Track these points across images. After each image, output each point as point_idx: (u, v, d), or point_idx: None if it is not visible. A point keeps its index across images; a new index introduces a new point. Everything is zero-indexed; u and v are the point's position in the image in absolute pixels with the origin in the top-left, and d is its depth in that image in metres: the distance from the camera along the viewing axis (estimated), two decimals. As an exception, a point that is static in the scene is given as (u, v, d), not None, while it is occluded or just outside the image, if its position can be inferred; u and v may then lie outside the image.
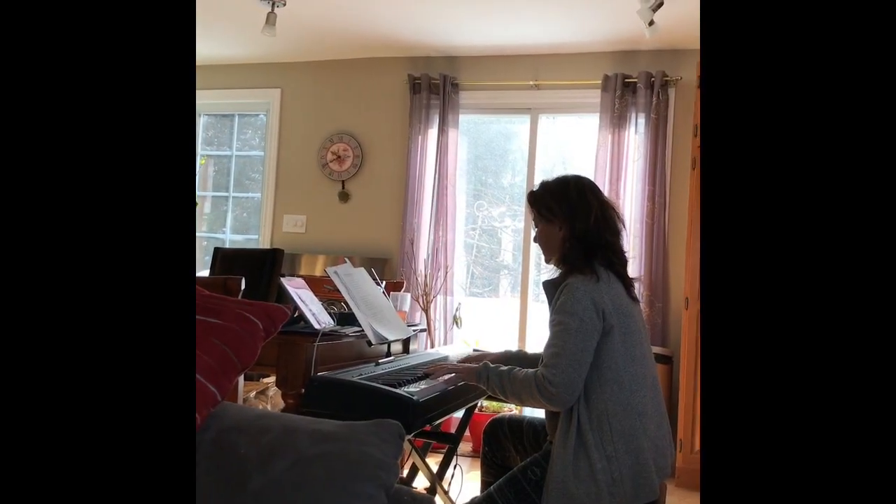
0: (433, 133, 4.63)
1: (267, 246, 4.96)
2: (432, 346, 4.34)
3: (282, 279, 2.27)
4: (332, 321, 2.39)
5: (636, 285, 1.97)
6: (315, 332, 2.17)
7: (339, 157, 4.88)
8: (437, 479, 2.29)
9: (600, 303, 1.78)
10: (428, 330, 4.28)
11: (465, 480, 2.89)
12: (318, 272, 4.73)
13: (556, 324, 1.81)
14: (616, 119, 4.25)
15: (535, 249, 4.73)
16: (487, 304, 5.07)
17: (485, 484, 2.30)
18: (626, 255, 1.95)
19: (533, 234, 2.03)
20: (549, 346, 1.81)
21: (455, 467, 2.46)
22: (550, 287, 1.92)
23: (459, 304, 4.54)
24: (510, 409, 4.08)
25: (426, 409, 1.84)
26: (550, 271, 1.99)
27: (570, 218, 1.89)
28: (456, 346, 4.11)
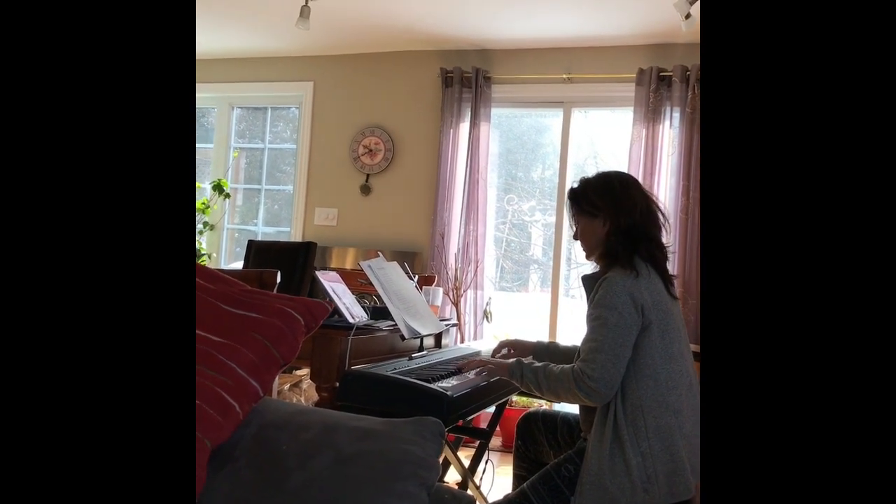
0: (465, 127, 4.62)
1: (298, 238, 4.99)
2: (462, 341, 4.33)
3: (316, 272, 2.27)
4: (365, 315, 2.39)
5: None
6: (349, 326, 2.18)
7: (370, 150, 4.89)
8: (468, 473, 2.29)
9: (639, 298, 1.76)
10: (458, 324, 4.27)
11: (496, 475, 2.89)
12: (348, 265, 4.74)
13: (594, 318, 1.79)
14: (650, 113, 4.20)
15: (566, 244, 4.69)
16: (517, 298, 5.05)
17: (517, 478, 2.29)
18: (667, 249, 1.93)
19: (572, 230, 2.01)
20: (587, 340, 1.80)
21: (486, 462, 2.45)
22: (589, 281, 1.90)
23: (490, 298, 4.52)
24: (539, 405, 4.06)
25: (460, 405, 1.84)
26: (587, 266, 1.97)
27: (615, 212, 1.87)
28: (487, 341, 4.10)
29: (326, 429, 0.95)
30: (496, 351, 2.24)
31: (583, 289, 1.96)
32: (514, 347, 2.24)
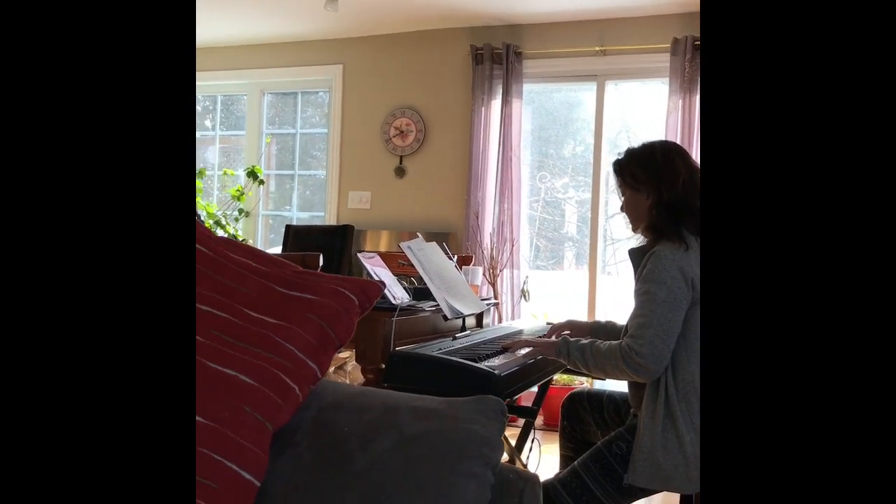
0: (496, 104, 4.56)
1: (333, 223, 4.99)
2: (500, 321, 4.31)
3: (358, 254, 2.26)
4: (407, 296, 2.38)
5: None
6: (392, 308, 2.17)
7: (401, 132, 4.86)
8: (515, 452, 2.28)
9: (689, 272, 1.72)
10: (496, 304, 4.25)
11: (544, 454, 2.87)
12: (382, 248, 4.74)
13: (642, 293, 1.75)
14: (686, 83, 4.11)
15: (603, 220, 4.63)
16: (552, 276, 5.01)
17: (564, 458, 2.27)
18: None
19: (620, 201, 1.96)
20: (635, 315, 1.76)
21: (532, 441, 2.44)
22: (636, 255, 1.86)
23: (527, 277, 4.49)
24: (581, 383, 4.03)
25: (508, 384, 1.82)
26: (623, 242, 1.93)
27: (658, 184, 1.82)
28: (526, 320, 4.07)
29: (387, 409, 0.94)
30: (551, 333, 2.22)
31: (630, 263, 1.92)
32: (571, 329, 2.21)
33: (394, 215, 4.89)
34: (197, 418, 0.84)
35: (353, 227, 2.92)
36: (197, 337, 0.92)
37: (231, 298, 0.98)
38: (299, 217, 5.40)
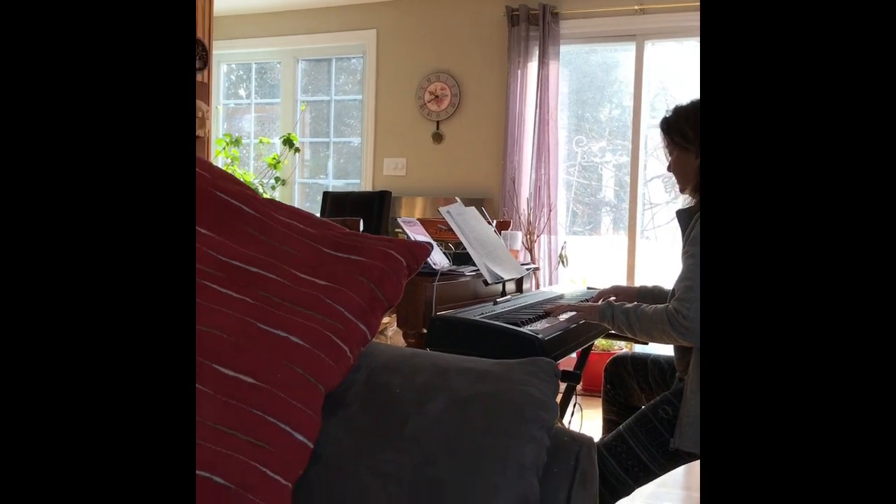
0: (533, 66, 4.48)
1: (369, 190, 4.99)
2: (537, 287, 4.28)
3: (399, 220, 2.25)
4: (447, 261, 2.36)
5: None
6: (433, 273, 2.15)
7: (436, 96, 4.81)
8: (558, 417, 2.26)
9: (738, 234, 1.67)
10: (536, 268, 4.22)
11: (584, 419, 2.86)
12: (417, 215, 4.72)
13: (689, 256, 1.71)
14: (730, 41, 3.97)
15: (642, 185, 4.55)
16: (590, 242, 4.95)
17: (607, 422, 2.26)
18: None
19: (667, 161, 1.91)
20: (682, 278, 1.72)
21: (575, 406, 2.42)
22: (684, 217, 1.81)
23: (565, 242, 4.44)
24: (620, 348, 4.00)
25: (552, 348, 1.80)
26: (662, 207, 1.88)
27: None
28: (564, 286, 4.03)
29: (439, 371, 0.92)
30: (597, 298, 2.19)
31: (676, 225, 1.87)
32: (617, 294, 2.18)
33: (429, 181, 4.86)
34: (249, 380, 0.84)
35: (390, 193, 2.90)
36: (246, 298, 0.91)
37: (279, 260, 0.97)
38: (334, 185, 5.40)
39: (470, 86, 4.74)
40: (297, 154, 5.13)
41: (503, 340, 1.78)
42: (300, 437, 0.84)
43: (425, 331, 2.10)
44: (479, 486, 0.80)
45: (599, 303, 2.09)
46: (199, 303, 0.89)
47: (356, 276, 0.97)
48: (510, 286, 2.67)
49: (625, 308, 1.83)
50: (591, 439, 0.93)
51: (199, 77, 3.36)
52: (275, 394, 0.84)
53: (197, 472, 0.78)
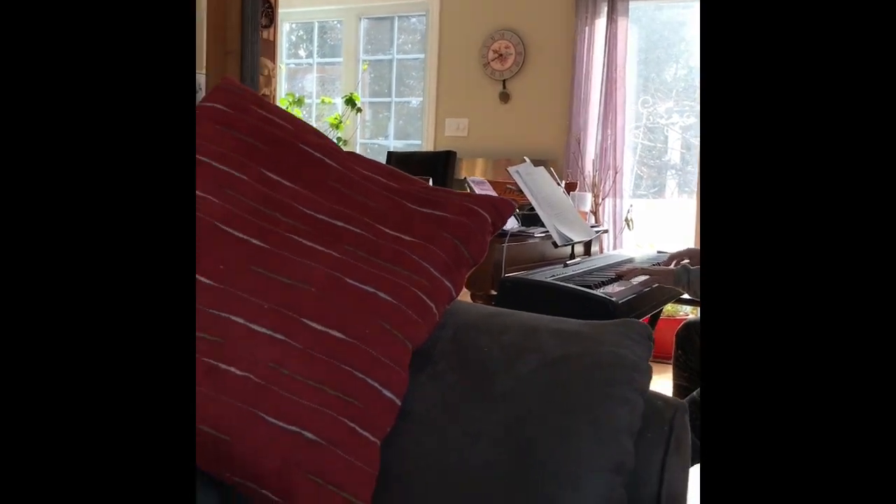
0: (601, 23, 4.34)
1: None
2: (601, 251, 4.21)
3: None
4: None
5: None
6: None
7: (500, 55, 4.71)
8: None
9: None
10: (605, 231, 4.15)
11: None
12: (478, 176, 4.67)
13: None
14: None
15: (712, 146, 4.40)
16: (655, 205, 4.84)
17: (678, 388, 2.21)
18: None
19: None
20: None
21: (643, 372, 2.37)
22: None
23: (631, 205, 4.34)
24: (686, 314, 3.91)
25: (625, 312, 1.75)
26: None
27: None
28: (630, 249, 3.95)
29: (527, 331, 0.89)
30: (671, 261, 2.13)
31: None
32: (691, 257, 2.11)
33: (491, 142, 4.79)
34: (338, 335, 0.83)
35: (455, 152, 2.86)
36: (332, 252, 0.89)
37: (363, 214, 0.95)
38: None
39: (535, 44, 4.63)
40: (358, 114, 5.11)
41: (575, 303, 1.74)
42: (388, 394, 0.82)
43: (493, 292, 2.08)
44: (573, 448, 0.77)
45: (673, 266, 2.03)
46: (285, 255, 0.88)
47: (441, 232, 0.95)
48: (578, 249, 2.62)
49: (700, 272, 1.77)
50: (684, 404, 0.90)
51: (265, 35, 3.36)
52: (363, 349, 0.82)
53: (287, 426, 0.77)
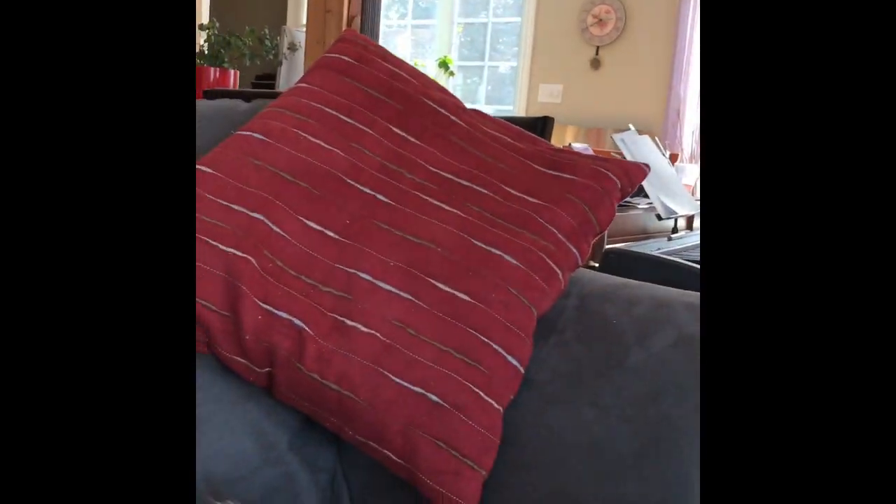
0: (709, -12, 4.13)
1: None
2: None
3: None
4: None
5: None
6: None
7: (600, 20, 4.56)
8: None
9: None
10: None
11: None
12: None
13: None
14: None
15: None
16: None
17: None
18: None
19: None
20: None
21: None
22: None
23: (730, 180, 4.17)
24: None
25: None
26: None
27: None
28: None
29: (660, 304, 0.85)
30: None
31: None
32: None
33: (585, 110, 4.67)
34: (464, 297, 0.80)
35: (552, 119, 2.77)
36: (459, 212, 0.86)
37: (489, 174, 0.91)
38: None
39: (637, 9, 4.45)
40: (450, 78, 5.07)
41: (683, 278, 1.67)
42: (513, 361, 0.80)
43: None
44: (711, 430, 0.72)
45: None
46: (411, 213, 0.85)
47: (569, 195, 0.90)
48: (681, 223, 2.52)
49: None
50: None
51: (366, -6, 3.35)
52: (489, 313, 0.80)
53: (412, 387, 0.75)
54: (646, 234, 2.28)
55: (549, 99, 4.81)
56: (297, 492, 0.84)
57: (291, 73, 3.79)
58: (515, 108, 4.94)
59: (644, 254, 1.76)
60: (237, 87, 3.50)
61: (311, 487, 0.86)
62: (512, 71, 5.15)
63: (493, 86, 5.37)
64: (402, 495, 0.81)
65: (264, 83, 4.99)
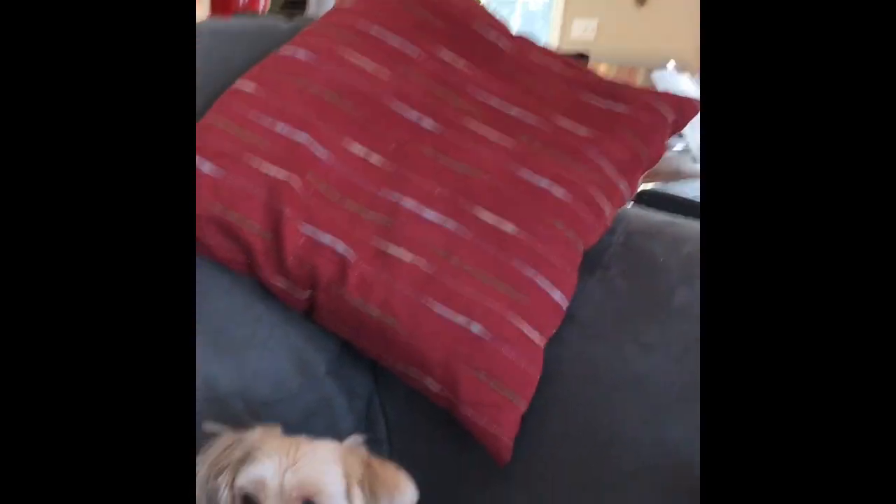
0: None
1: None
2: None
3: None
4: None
5: None
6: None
7: (640, -47, 4.38)
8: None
9: None
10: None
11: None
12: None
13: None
14: None
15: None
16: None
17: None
18: None
19: None
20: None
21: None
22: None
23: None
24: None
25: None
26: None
27: None
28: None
29: (708, 243, 0.82)
30: None
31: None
32: None
33: (620, 48, 4.52)
34: (510, 228, 0.78)
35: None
36: (505, 141, 0.84)
37: (538, 103, 0.88)
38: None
39: (679, -58, 4.27)
40: (481, 10, 4.93)
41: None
42: (557, 295, 0.78)
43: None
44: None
45: None
46: (458, 141, 0.83)
47: (619, 127, 0.87)
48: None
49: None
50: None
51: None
52: (535, 246, 0.78)
53: (455, 318, 0.74)
54: (678, 176, 2.23)
55: (582, 35, 4.66)
56: (335, 416, 0.85)
57: (321, -1, 3.69)
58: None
59: (678, 196, 1.73)
60: (266, 13, 3.43)
61: (348, 413, 0.86)
62: (545, 6, 5.00)
63: (523, 20, 5.22)
64: (438, 425, 0.81)
65: (294, 8, 4.88)
